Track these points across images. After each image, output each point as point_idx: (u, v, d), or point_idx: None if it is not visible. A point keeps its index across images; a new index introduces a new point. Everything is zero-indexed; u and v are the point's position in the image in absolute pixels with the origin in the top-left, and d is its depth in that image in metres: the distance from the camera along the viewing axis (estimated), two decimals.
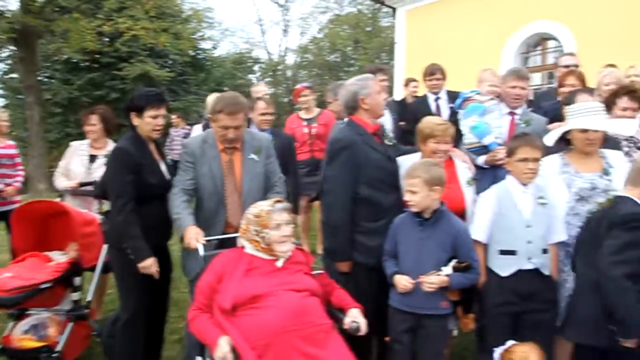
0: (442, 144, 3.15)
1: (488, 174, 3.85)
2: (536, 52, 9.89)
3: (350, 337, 2.53)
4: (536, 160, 2.83)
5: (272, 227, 2.55)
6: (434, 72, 5.04)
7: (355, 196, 3.09)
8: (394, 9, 11.65)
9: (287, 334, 2.27)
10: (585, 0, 8.59)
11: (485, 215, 2.90)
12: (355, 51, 25.27)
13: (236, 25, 31.34)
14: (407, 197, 2.75)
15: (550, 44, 9.63)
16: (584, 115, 2.97)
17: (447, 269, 2.63)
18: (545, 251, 2.83)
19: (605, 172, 2.97)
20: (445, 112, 5.01)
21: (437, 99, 5.03)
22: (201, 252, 2.79)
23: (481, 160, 3.81)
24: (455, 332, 3.08)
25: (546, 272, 2.83)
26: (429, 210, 2.73)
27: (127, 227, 2.96)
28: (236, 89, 22.84)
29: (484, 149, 3.84)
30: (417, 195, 2.69)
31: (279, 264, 2.57)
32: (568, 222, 2.92)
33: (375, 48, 23.15)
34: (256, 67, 27.92)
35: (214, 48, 23.00)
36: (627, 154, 3.45)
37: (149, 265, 2.98)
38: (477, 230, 2.89)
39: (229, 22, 36.05)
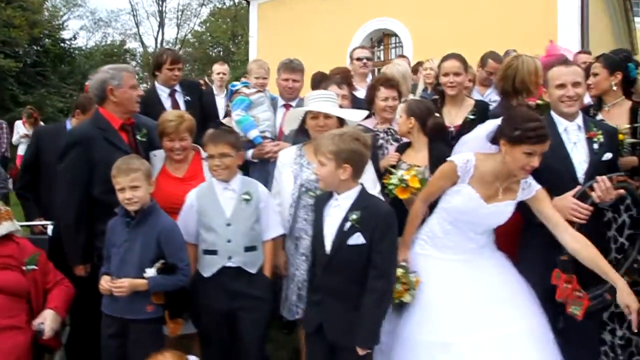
0: (177, 141, 2.99)
1: (258, 168, 3.81)
2: (380, 48, 10.24)
3: None
4: (223, 155, 2.69)
5: None
6: (176, 60, 4.03)
7: (89, 196, 2.90)
8: (248, 2, 11.47)
9: None
10: (419, 1, 9.03)
11: (188, 215, 2.77)
12: (236, 45, 24.81)
13: (109, 15, 29.12)
14: (120, 196, 2.54)
15: (393, 40, 10.01)
16: (317, 101, 2.99)
17: (151, 271, 2.46)
18: (250, 249, 2.71)
19: None
20: (183, 107, 4.02)
21: (172, 92, 4.07)
22: None
23: (249, 154, 3.73)
24: None
25: (252, 270, 2.71)
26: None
27: None
28: None
29: (252, 143, 3.77)
30: (138, 190, 2.51)
31: None
32: (293, 214, 2.89)
33: None
34: (134, 61, 26.39)
35: (74, 38, 21.11)
36: (381, 147, 3.52)
37: None
38: (183, 231, 2.73)
39: (102, 12, 33.49)
